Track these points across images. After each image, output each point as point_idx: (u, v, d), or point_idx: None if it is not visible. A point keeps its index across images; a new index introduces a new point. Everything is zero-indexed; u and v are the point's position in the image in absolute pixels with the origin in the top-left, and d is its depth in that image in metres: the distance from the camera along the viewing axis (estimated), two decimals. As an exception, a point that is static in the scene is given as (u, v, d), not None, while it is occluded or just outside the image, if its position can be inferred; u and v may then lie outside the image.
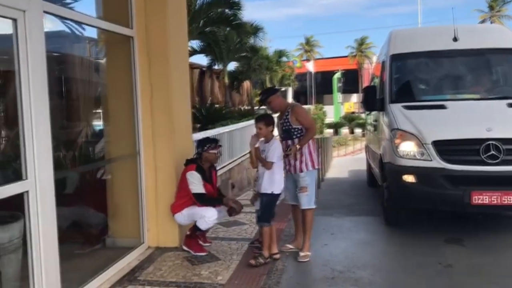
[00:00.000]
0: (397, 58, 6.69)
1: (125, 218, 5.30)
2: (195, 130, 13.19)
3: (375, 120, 7.57)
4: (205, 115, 12.79)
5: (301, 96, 55.77)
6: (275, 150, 4.62)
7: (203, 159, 4.91)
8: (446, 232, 5.73)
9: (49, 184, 3.51)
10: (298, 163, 4.84)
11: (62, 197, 5.31)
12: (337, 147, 27.56)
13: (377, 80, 10.49)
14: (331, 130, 35.80)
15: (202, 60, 19.92)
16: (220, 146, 5.04)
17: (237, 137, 9.62)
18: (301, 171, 4.84)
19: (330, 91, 44.84)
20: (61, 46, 5.30)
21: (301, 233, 5.07)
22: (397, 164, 5.55)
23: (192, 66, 19.07)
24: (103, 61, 5.33)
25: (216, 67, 20.69)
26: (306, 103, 48.91)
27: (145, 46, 5.05)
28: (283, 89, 38.72)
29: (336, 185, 10.19)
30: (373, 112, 7.88)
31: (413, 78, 6.80)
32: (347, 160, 21.08)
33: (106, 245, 5.24)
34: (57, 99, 5.20)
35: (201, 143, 4.96)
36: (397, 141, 5.59)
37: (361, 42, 59.96)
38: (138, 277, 4.40)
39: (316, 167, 4.93)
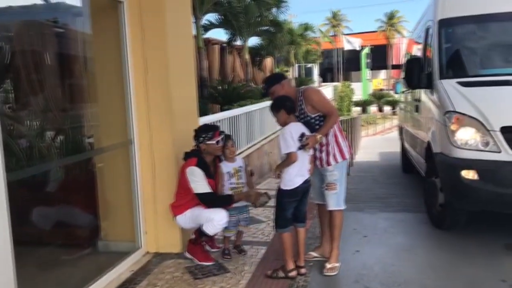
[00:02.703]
0: (447, 24, 5.47)
1: (119, 218, 4.53)
2: (215, 111, 12.35)
3: (417, 99, 6.37)
4: (223, 95, 11.84)
5: (327, 73, 54.31)
6: (286, 140, 3.65)
7: (202, 151, 4.04)
8: (509, 234, 4.73)
9: (-3, 189, 2.68)
10: (324, 155, 3.91)
11: (44, 195, 4.59)
12: (366, 126, 26.47)
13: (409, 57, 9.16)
14: (358, 108, 34.59)
15: (222, 35, 18.78)
16: (222, 133, 4.13)
17: (256, 118, 8.69)
18: (329, 164, 3.90)
19: (357, 68, 43.38)
20: (37, 14, 4.45)
21: (328, 239, 4.17)
22: (453, 156, 4.45)
23: (212, 42, 18.09)
24: (88, 31, 4.45)
25: (236, 42, 19.61)
26: (332, 80, 47.55)
27: (137, 13, 4.16)
28: (308, 65, 37.45)
29: (367, 171, 9.21)
30: (412, 90, 6.75)
31: (468, 47, 5.53)
32: (377, 140, 20.05)
33: (98, 250, 4.48)
34: (33, 78, 4.40)
35: (197, 133, 4.08)
36: (453, 126, 4.49)
37: (391, 16, 57.73)
38: (127, 296, 3.59)
39: (346, 157, 3.99)
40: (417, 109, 6.35)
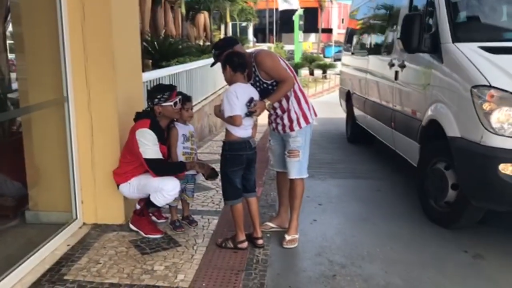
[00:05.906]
0: None
1: (50, 186, 3.98)
2: (147, 67, 11.57)
3: (395, 65, 5.31)
4: (159, 50, 11.07)
5: (259, 33, 53.77)
6: (230, 101, 3.29)
7: (157, 114, 3.56)
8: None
9: None
10: (286, 121, 3.58)
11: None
12: (298, 89, 26.42)
13: (355, 38, 8.16)
14: (290, 71, 34.55)
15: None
16: (179, 94, 3.67)
17: (197, 77, 8.14)
18: (292, 130, 3.59)
19: (288, 30, 43.08)
20: None
21: (286, 209, 3.92)
22: (487, 144, 3.46)
23: (143, -7, 16.92)
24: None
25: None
26: (264, 42, 47.15)
27: None
28: (243, 24, 36.64)
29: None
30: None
31: (489, 1, 4.44)
32: (310, 104, 20.10)
33: (26, 221, 3.92)
34: None
35: (151, 93, 3.59)
36: (487, 106, 3.49)
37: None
38: (64, 275, 3.10)
39: (310, 121, 3.66)
40: (396, 76, 5.29)
